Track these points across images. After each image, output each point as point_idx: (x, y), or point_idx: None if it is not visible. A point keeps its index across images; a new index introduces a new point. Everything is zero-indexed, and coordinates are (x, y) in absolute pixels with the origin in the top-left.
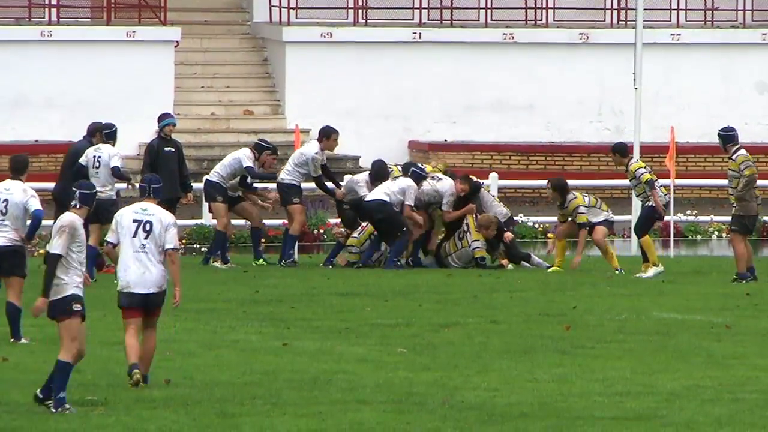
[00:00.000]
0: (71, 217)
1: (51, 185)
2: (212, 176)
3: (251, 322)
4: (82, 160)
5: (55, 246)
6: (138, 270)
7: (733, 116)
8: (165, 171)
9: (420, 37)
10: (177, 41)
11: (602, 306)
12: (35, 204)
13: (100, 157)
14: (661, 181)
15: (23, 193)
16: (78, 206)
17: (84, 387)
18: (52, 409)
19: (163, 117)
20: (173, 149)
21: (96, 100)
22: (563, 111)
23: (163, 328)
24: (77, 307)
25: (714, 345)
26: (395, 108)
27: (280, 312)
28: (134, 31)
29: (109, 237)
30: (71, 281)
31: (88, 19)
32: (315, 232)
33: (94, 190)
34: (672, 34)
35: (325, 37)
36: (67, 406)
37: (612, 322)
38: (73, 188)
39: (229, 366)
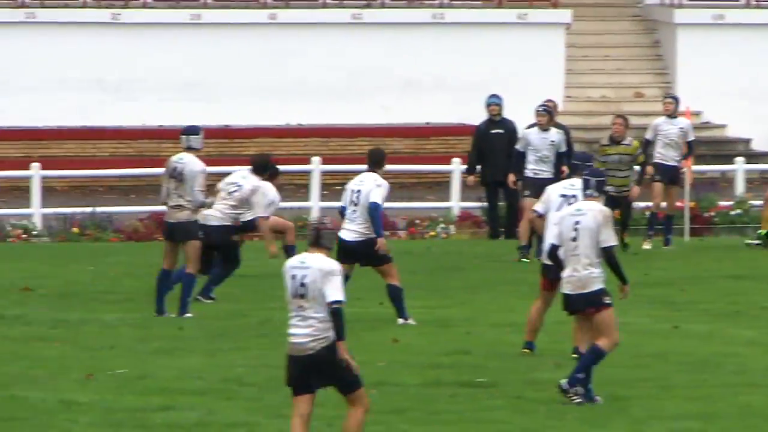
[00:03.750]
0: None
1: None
2: None
3: (641, 305)
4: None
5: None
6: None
7: None
8: (490, 154)
9: None
10: (569, 23)
11: None
12: (373, 196)
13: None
14: None
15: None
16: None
17: (474, 369)
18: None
19: (489, 98)
20: (502, 131)
21: (486, 83)
22: None
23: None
24: (608, 300)
25: None
26: None
27: (670, 294)
28: (526, 14)
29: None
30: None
31: (480, 2)
32: (705, 215)
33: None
34: None
35: (716, 19)
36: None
37: None
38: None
39: (620, 349)
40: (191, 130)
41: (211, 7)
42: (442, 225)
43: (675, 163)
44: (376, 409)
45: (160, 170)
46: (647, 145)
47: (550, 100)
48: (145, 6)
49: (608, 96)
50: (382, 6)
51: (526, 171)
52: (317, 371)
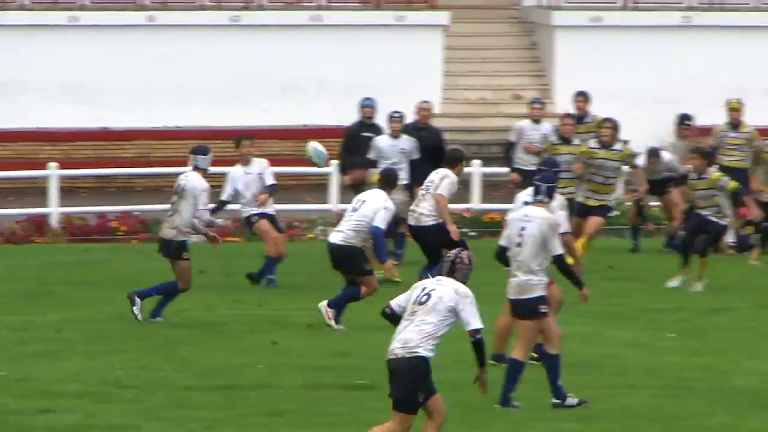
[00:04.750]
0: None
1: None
2: None
3: None
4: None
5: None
6: None
7: None
8: (360, 156)
9: (689, 21)
10: (446, 25)
11: None
12: (378, 219)
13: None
14: None
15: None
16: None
17: (353, 371)
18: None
19: (364, 100)
20: (372, 134)
21: (365, 85)
22: None
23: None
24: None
25: None
26: (664, 92)
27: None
28: (403, 16)
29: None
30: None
31: (358, 4)
32: None
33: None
34: None
35: (594, 21)
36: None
37: None
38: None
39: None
40: (199, 151)
41: (89, 9)
42: (321, 227)
43: (534, 167)
44: (256, 411)
45: (40, 173)
46: (510, 147)
47: (426, 102)
48: (22, 8)
49: (486, 98)
50: (261, 8)
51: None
52: (393, 378)
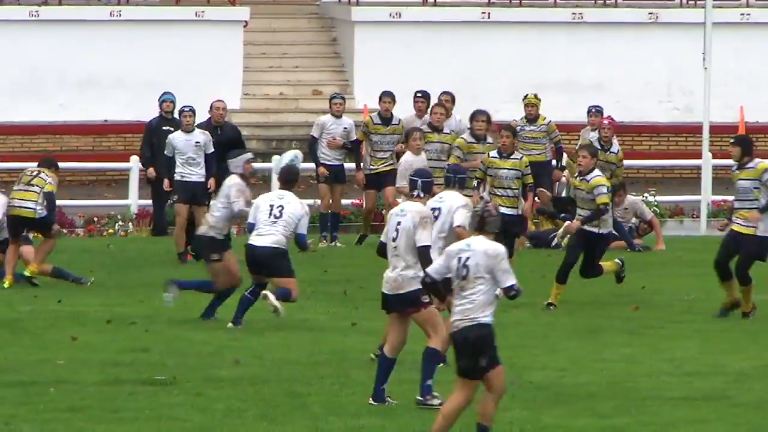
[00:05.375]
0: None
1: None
2: None
3: (320, 302)
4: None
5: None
6: None
7: None
8: (160, 151)
9: (488, 17)
10: (246, 21)
11: (671, 286)
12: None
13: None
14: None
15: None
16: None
17: (153, 366)
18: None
19: (164, 94)
20: (173, 128)
21: (164, 80)
22: (632, 91)
23: (231, 307)
24: (426, 298)
25: None
26: (463, 87)
27: (349, 291)
28: (203, 11)
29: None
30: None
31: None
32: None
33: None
34: (742, 14)
35: (393, 16)
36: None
37: (681, 303)
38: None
39: (298, 346)
40: (232, 155)
41: None
42: (121, 223)
43: (338, 162)
44: (55, 407)
45: None
46: (313, 143)
47: (220, 101)
48: None
49: (286, 93)
50: (60, 4)
51: (175, 174)
52: (460, 350)
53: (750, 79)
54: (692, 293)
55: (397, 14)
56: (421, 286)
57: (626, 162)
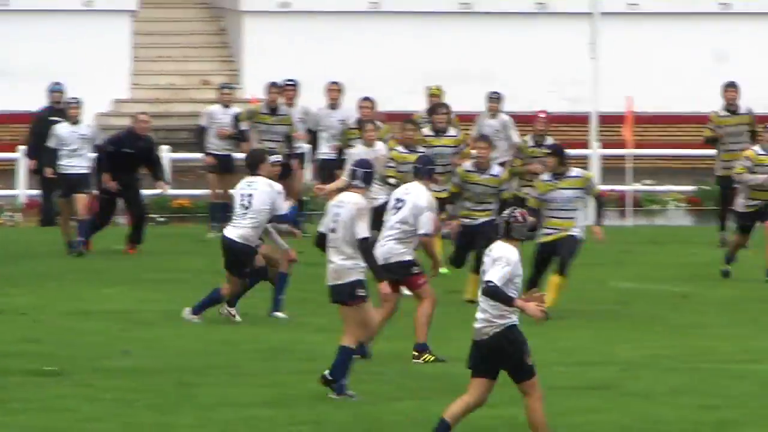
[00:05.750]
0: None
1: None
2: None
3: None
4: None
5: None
6: None
7: (691, 86)
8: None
9: (378, 7)
10: (135, 10)
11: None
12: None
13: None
14: (619, 151)
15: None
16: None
17: (42, 357)
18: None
19: (53, 85)
20: (61, 120)
21: (52, 70)
22: (521, 80)
23: (120, 298)
24: (362, 292)
25: (671, 315)
26: (353, 78)
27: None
28: (91, 1)
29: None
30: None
31: None
32: None
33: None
34: (629, 3)
35: (282, 6)
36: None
37: (570, 292)
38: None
39: (189, 336)
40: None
41: None
42: (9, 213)
43: (227, 152)
44: None
45: None
46: (201, 132)
47: (73, 98)
48: None
49: (176, 83)
50: None
51: (58, 166)
52: (493, 357)
53: (639, 69)
54: (581, 283)
55: (285, 4)
56: (359, 278)
57: None
